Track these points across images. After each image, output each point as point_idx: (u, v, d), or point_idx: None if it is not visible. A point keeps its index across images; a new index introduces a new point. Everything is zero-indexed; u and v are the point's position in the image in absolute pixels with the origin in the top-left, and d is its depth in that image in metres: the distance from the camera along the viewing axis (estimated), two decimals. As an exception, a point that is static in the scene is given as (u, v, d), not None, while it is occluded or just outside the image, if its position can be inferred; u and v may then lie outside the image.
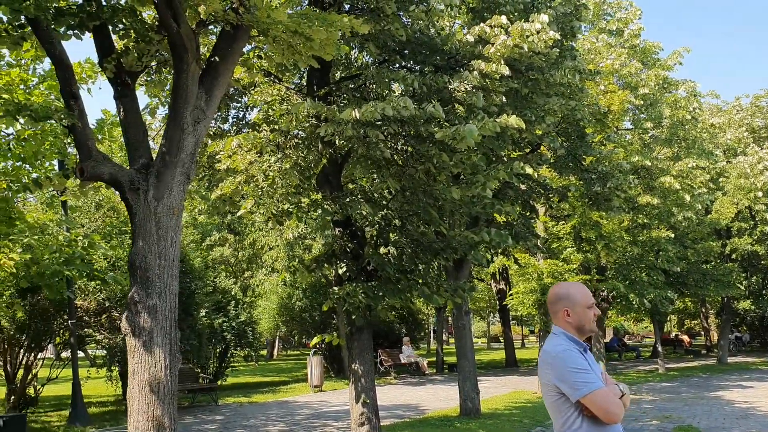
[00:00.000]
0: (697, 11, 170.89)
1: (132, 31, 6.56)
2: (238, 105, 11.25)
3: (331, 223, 10.24)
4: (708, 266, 24.67)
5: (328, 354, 24.49)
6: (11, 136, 10.04)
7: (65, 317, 15.32)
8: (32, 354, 15.75)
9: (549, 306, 3.43)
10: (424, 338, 43.11)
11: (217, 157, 10.23)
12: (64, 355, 17.71)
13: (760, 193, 23.43)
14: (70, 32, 6.14)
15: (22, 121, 6.75)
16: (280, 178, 10.09)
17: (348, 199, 9.72)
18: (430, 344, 47.85)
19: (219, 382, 19.54)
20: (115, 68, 6.47)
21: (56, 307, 15.32)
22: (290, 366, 32.76)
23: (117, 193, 6.59)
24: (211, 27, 7.15)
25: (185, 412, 15.95)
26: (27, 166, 10.58)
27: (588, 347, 3.37)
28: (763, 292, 27.81)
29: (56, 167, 12.08)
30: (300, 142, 10.12)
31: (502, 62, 8.66)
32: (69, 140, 9.82)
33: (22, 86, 10.07)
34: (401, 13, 9.23)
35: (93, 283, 15.01)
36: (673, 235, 20.13)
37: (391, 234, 10.61)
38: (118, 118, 6.93)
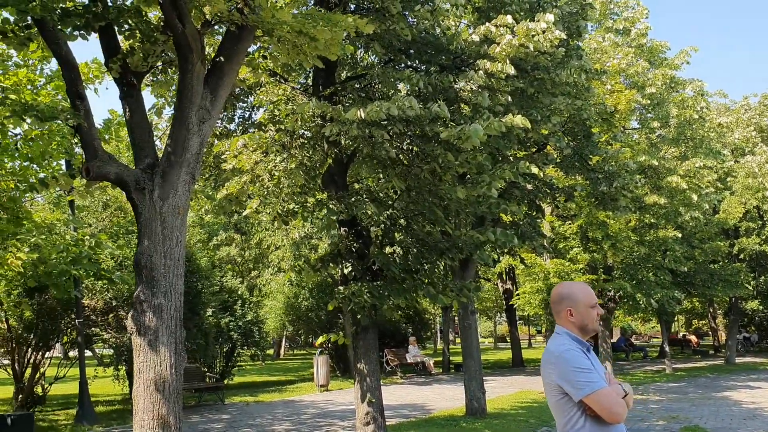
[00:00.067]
0: (705, 10, 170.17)
1: (137, 31, 6.58)
2: (244, 105, 11.27)
3: (336, 222, 10.25)
4: (716, 266, 24.59)
5: (335, 353, 24.51)
6: (19, 136, 10.10)
7: (72, 316, 15.39)
8: (40, 353, 15.83)
9: (552, 306, 3.43)
10: (431, 338, 43.15)
11: (222, 156, 10.26)
12: (71, 354, 17.79)
13: (768, 193, 23.34)
14: (76, 33, 6.17)
15: (29, 121, 6.78)
16: (285, 177, 10.11)
17: (353, 199, 9.73)
18: (436, 344, 47.83)
19: (225, 382, 19.59)
20: (121, 68, 6.50)
21: (64, 307, 15.40)
22: (297, 365, 32.81)
23: (123, 192, 6.61)
24: (216, 27, 7.17)
25: (192, 411, 16.01)
26: (34, 166, 10.64)
27: (591, 347, 3.37)
28: (772, 292, 27.69)
29: (63, 167, 12.14)
30: (305, 141, 10.13)
31: (508, 62, 8.64)
32: (76, 140, 9.87)
33: (29, 86, 10.13)
34: (406, 13, 9.24)
35: (100, 282, 15.08)
36: (680, 235, 20.06)
37: (396, 234, 10.62)
38: (124, 119, 6.96)
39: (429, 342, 42.95)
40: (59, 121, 6.90)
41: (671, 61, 21.07)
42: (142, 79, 7.00)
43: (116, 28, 6.59)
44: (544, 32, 8.60)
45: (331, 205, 9.64)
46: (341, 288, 9.99)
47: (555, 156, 13.73)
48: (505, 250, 16.93)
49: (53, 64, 10.09)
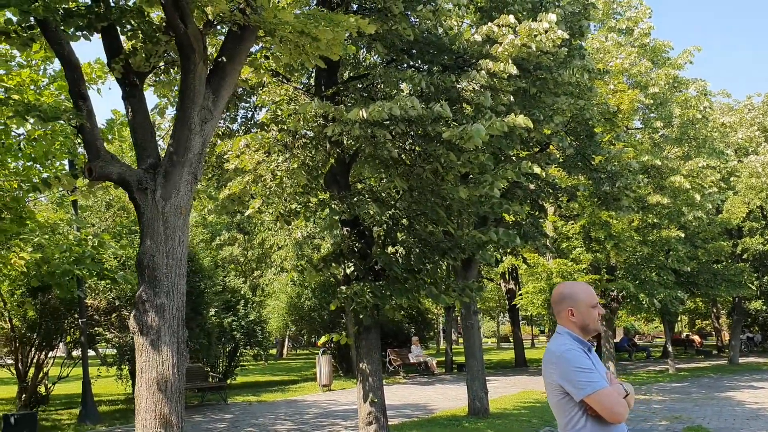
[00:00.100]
0: (708, 10, 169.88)
1: (140, 31, 6.59)
2: (247, 105, 11.29)
3: (338, 222, 10.25)
4: (719, 266, 24.54)
5: (337, 353, 24.53)
6: (22, 136, 10.13)
7: (76, 316, 15.43)
8: (43, 352, 15.87)
9: (553, 305, 3.43)
10: (434, 338, 43.09)
11: (225, 156, 10.28)
12: (74, 353, 17.84)
13: (771, 193, 23.27)
14: (78, 33, 6.18)
15: (32, 121, 6.80)
16: (288, 177, 10.12)
17: (356, 199, 9.73)
18: (439, 344, 47.86)
19: (228, 381, 19.62)
20: (123, 69, 6.51)
21: (67, 306, 15.44)
22: (299, 365, 32.84)
23: (126, 192, 6.63)
24: (218, 27, 7.18)
25: (195, 410, 16.04)
26: (38, 166, 10.67)
27: (592, 347, 3.37)
28: (775, 292, 27.62)
29: (67, 167, 12.17)
30: (308, 141, 10.14)
31: (510, 61, 8.64)
32: (79, 140, 9.89)
33: (32, 87, 10.16)
34: (409, 13, 9.23)
35: (103, 282, 15.12)
36: (683, 235, 20.02)
37: (398, 233, 10.62)
38: (126, 119, 6.97)
39: (432, 342, 42.89)
40: (62, 122, 6.92)
41: (674, 60, 21.02)
42: (145, 80, 7.01)
43: (119, 29, 6.61)
44: (546, 32, 8.60)
45: (333, 205, 9.65)
46: (343, 288, 9.99)
47: (558, 156, 13.72)
48: (508, 250, 16.92)
49: (56, 64, 10.12)
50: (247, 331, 20.69)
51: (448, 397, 17.50)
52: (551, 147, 13.40)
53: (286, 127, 9.96)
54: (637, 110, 18.42)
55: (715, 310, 36.20)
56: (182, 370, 6.19)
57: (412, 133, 9.07)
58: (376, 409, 10.10)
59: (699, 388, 18.58)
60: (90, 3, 6.32)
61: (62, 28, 6.19)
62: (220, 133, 10.95)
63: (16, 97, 8.58)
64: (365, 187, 10.88)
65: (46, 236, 11.28)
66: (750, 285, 24.66)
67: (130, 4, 6.62)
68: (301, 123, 9.54)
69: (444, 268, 11.65)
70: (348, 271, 10.17)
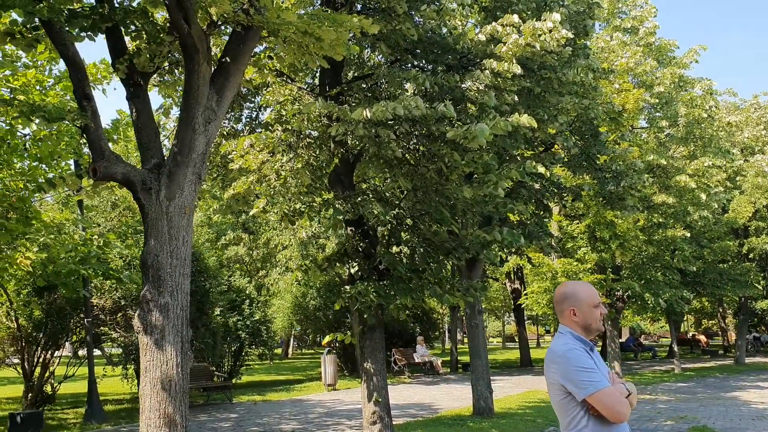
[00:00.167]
0: (714, 9, 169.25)
1: (144, 32, 6.61)
2: (251, 105, 11.31)
3: (343, 222, 10.26)
4: (725, 266, 24.49)
5: (342, 353, 24.54)
6: (28, 137, 10.18)
7: (81, 315, 15.48)
8: (49, 352, 15.94)
9: (555, 305, 3.44)
10: (439, 337, 43.10)
11: (230, 156, 10.30)
12: (80, 353, 17.91)
13: (777, 192, 23.19)
14: (82, 34, 6.21)
15: (37, 121, 6.83)
16: (292, 177, 10.14)
17: (360, 199, 9.74)
18: (444, 343, 47.84)
19: (233, 381, 19.66)
20: (128, 69, 6.54)
21: (72, 306, 15.50)
22: (305, 364, 32.87)
23: (131, 192, 6.65)
24: (222, 28, 7.20)
25: (200, 409, 16.07)
26: (43, 166, 10.72)
27: (594, 346, 3.37)
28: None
29: (72, 167, 12.22)
30: (312, 141, 10.15)
31: (514, 61, 8.62)
32: (84, 140, 9.93)
33: (38, 87, 10.21)
34: (413, 13, 9.24)
35: (109, 281, 15.17)
36: (689, 235, 19.98)
37: (402, 233, 10.62)
38: (131, 119, 6.99)
39: (437, 341, 42.92)
40: (67, 122, 6.95)
41: (680, 59, 20.96)
42: (149, 80, 7.03)
43: (123, 29, 6.64)
44: (550, 31, 8.58)
45: (337, 205, 9.65)
46: (348, 287, 10.00)
47: (562, 155, 13.70)
48: (513, 250, 16.91)
49: (62, 64, 10.16)
50: (252, 330, 20.73)
51: (453, 397, 17.50)
52: (556, 146, 13.38)
53: (290, 127, 9.97)
54: (643, 109, 18.38)
55: (721, 310, 36.10)
56: (186, 369, 6.21)
57: (416, 132, 9.07)
58: (381, 409, 10.11)
59: (705, 388, 18.53)
60: (94, 4, 6.35)
61: (67, 28, 6.22)
62: (224, 133, 10.98)
63: (21, 97, 8.63)
64: (369, 187, 10.88)
65: (52, 236, 11.33)
66: (756, 284, 24.60)
67: (134, 4, 6.65)
68: (306, 123, 9.55)
69: (448, 267, 11.66)
70: (352, 270, 10.18)
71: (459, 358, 28.57)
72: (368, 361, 10.25)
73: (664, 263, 20.10)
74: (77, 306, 15.44)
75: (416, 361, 25.56)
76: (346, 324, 24.17)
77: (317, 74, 11.02)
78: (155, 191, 6.29)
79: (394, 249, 10.62)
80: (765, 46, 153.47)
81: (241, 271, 29.33)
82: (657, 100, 18.88)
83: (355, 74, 11.00)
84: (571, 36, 9.10)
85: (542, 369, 3.36)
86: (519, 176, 9.35)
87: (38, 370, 15.73)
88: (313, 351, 44.82)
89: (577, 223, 19.65)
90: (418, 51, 9.75)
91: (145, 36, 6.65)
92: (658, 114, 19.54)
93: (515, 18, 8.73)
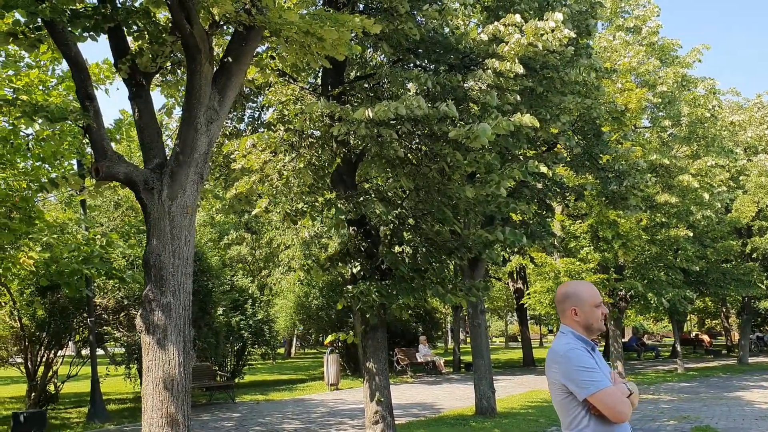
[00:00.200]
0: (717, 8, 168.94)
1: (146, 32, 6.62)
2: (254, 105, 11.33)
3: (345, 222, 10.27)
4: (728, 265, 24.43)
5: (345, 352, 24.55)
6: (31, 137, 10.20)
7: (84, 315, 15.52)
8: (52, 351, 15.97)
9: (557, 305, 3.44)
10: (442, 337, 43.09)
11: (232, 156, 10.31)
12: (83, 352, 17.94)
13: (781, 192, 23.12)
14: (85, 34, 6.22)
15: (39, 121, 6.85)
16: (294, 177, 10.15)
17: (362, 198, 9.74)
18: (447, 343, 47.82)
19: (236, 380, 19.69)
20: (130, 69, 6.54)
21: (75, 305, 15.53)
22: (307, 364, 32.90)
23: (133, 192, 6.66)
24: (224, 27, 7.20)
25: (203, 409, 16.10)
26: (46, 165, 10.74)
27: (596, 346, 3.37)
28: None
29: (75, 167, 12.24)
30: (314, 141, 10.16)
31: (517, 61, 8.63)
32: (86, 140, 9.95)
33: (41, 87, 10.22)
34: (415, 13, 9.24)
35: (111, 281, 15.19)
36: (692, 234, 19.94)
37: (405, 233, 10.63)
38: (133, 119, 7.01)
39: (440, 341, 42.92)
40: (69, 122, 6.96)
41: (683, 59, 20.94)
42: (151, 80, 7.04)
43: (125, 30, 6.65)
44: (553, 31, 8.59)
45: (339, 205, 9.66)
46: (350, 287, 10.01)
47: (565, 155, 13.69)
48: (515, 250, 16.89)
49: (65, 64, 10.17)
50: (255, 330, 20.75)
51: (456, 397, 17.50)
52: (558, 146, 13.37)
53: (292, 127, 9.98)
54: (645, 109, 18.35)
55: (724, 310, 36.04)
56: (188, 369, 6.22)
57: (418, 132, 9.08)
58: (383, 408, 10.11)
59: (708, 387, 18.50)
60: (96, 4, 6.36)
61: (69, 29, 6.23)
62: (227, 132, 10.99)
63: (24, 97, 8.64)
64: (372, 187, 10.89)
65: (55, 236, 11.35)
66: (759, 284, 24.53)
67: (136, 5, 6.65)
68: (308, 123, 9.56)
69: (451, 267, 11.65)
70: (354, 270, 10.19)
71: (462, 357, 28.56)
72: (370, 361, 10.26)
73: (667, 263, 20.07)
74: (80, 305, 15.47)
75: (419, 360, 25.56)
76: (349, 323, 24.17)
77: (319, 74, 11.03)
78: (157, 191, 6.30)
79: (397, 249, 10.63)
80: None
81: (244, 271, 29.37)
82: (660, 100, 18.87)
83: (358, 74, 11.01)
84: (574, 35, 9.10)
85: (545, 369, 3.36)
86: (521, 176, 9.34)
87: (41, 369, 15.77)
88: (315, 350, 44.85)
89: (580, 223, 19.63)
90: (420, 51, 9.75)
91: (147, 36, 6.66)
92: (661, 113, 19.52)
93: (517, 17, 8.74)
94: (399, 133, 8.83)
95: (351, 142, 9.57)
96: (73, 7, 6.09)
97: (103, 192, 10.92)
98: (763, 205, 24.09)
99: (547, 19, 8.66)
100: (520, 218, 13.63)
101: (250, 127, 11.33)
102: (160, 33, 6.60)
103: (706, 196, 18.55)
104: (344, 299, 10.13)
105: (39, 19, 6.13)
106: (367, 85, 10.29)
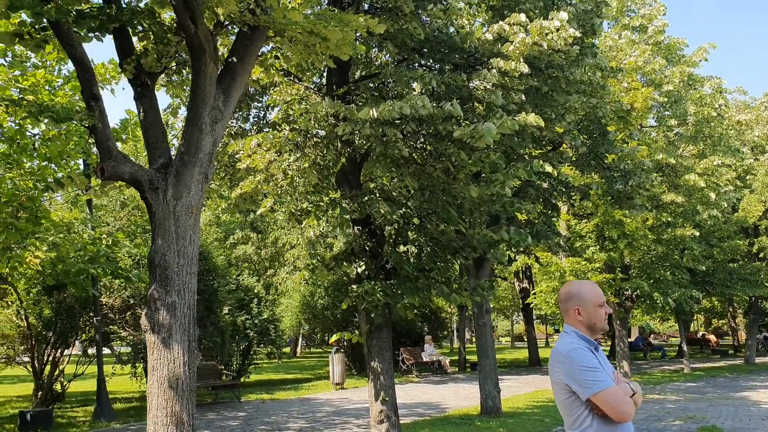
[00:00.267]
0: (724, 7, 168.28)
1: (151, 32, 6.65)
2: (259, 105, 11.34)
3: (350, 221, 10.28)
4: (735, 265, 24.34)
5: (350, 352, 24.57)
6: (37, 136, 10.25)
7: (91, 314, 15.57)
8: (59, 350, 16.04)
9: (560, 304, 3.44)
10: (447, 337, 43.07)
11: (237, 156, 10.33)
12: (90, 351, 18.01)
13: (788, 191, 23.04)
14: (90, 35, 6.25)
15: (45, 121, 6.88)
16: (299, 176, 10.16)
17: (367, 198, 9.75)
18: (453, 343, 47.77)
19: (242, 379, 19.72)
20: (135, 69, 6.57)
21: (82, 305, 15.59)
22: (313, 363, 32.93)
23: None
24: (229, 28, 7.22)
25: (208, 408, 16.14)
26: (53, 165, 10.79)
27: (599, 345, 3.37)
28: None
29: (81, 167, 12.29)
30: (319, 141, 10.17)
31: (522, 60, 8.62)
32: (92, 140, 9.99)
33: (47, 87, 10.27)
34: (419, 12, 9.23)
35: (117, 280, 15.25)
36: (698, 234, 19.89)
37: (410, 232, 10.63)
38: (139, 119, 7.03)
39: (445, 341, 42.87)
40: (75, 122, 6.99)
41: (689, 58, 20.87)
42: (157, 80, 7.06)
43: (130, 30, 6.67)
44: (558, 30, 8.57)
45: (344, 204, 9.67)
46: (355, 287, 10.02)
47: (570, 154, 13.66)
48: (521, 249, 16.87)
49: (70, 65, 10.21)
50: (261, 329, 20.78)
51: (461, 396, 17.49)
52: (564, 145, 13.35)
53: (297, 127, 9.99)
54: (651, 108, 18.31)
55: (731, 310, 35.90)
56: (193, 368, 6.24)
57: (423, 132, 9.07)
58: (388, 408, 10.12)
59: (714, 387, 18.44)
60: (102, 5, 6.38)
61: (74, 29, 6.26)
62: (232, 132, 11.02)
63: (30, 97, 8.68)
64: (376, 186, 10.89)
65: (61, 235, 11.40)
66: (766, 284, 24.43)
67: (141, 5, 6.68)
68: (313, 122, 9.57)
69: (456, 267, 11.63)
70: (359, 269, 10.20)
71: (467, 357, 28.54)
72: (375, 361, 10.27)
73: (673, 262, 20.02)
74: (86, 305, 15.53)
75: (424, 360, 25.55)
76: (354, 323, 24.19)
77: (324, 74, 11.04)
78: (162, 191, 6.32)
79: (401, 248, 10.63)
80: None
81: (250, 270, 29.42)
82: (666, 99, 18.82)
83: (362, 74, 11.01)
84: (579, 35, 9.09)
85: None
86: (526, 175, 9.34)
87: (48, 368, 15.84)
88: (321, 350, 44.89)
89: (586, 222, 19.59)
90: (425, 50, 9.74)
91: (152, 36, 6.69)
92: (667, 113, 19.48)
93: (522, 17, 8.73)
94: (404, 133, 8.83)
95: (356, 141, 9.57)
96: (79, 8, 6.11)
97: (109, 192, 10.96)
98: (770, 205, 24.02)
99: (552, 19, 8.65)
100: (526, 218, 13.61)
101: (255, 127, 11.35)
102: (164, 33, 6.63)
103: (713, 195, 18.50)
104: (349, 299, 10.14)
105: (44, 20, 6.16)
106: (371, 85, 10.29)
